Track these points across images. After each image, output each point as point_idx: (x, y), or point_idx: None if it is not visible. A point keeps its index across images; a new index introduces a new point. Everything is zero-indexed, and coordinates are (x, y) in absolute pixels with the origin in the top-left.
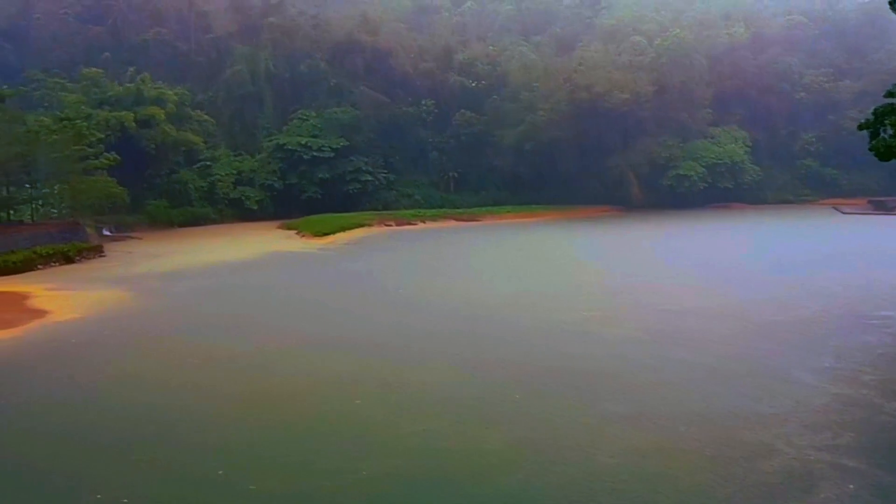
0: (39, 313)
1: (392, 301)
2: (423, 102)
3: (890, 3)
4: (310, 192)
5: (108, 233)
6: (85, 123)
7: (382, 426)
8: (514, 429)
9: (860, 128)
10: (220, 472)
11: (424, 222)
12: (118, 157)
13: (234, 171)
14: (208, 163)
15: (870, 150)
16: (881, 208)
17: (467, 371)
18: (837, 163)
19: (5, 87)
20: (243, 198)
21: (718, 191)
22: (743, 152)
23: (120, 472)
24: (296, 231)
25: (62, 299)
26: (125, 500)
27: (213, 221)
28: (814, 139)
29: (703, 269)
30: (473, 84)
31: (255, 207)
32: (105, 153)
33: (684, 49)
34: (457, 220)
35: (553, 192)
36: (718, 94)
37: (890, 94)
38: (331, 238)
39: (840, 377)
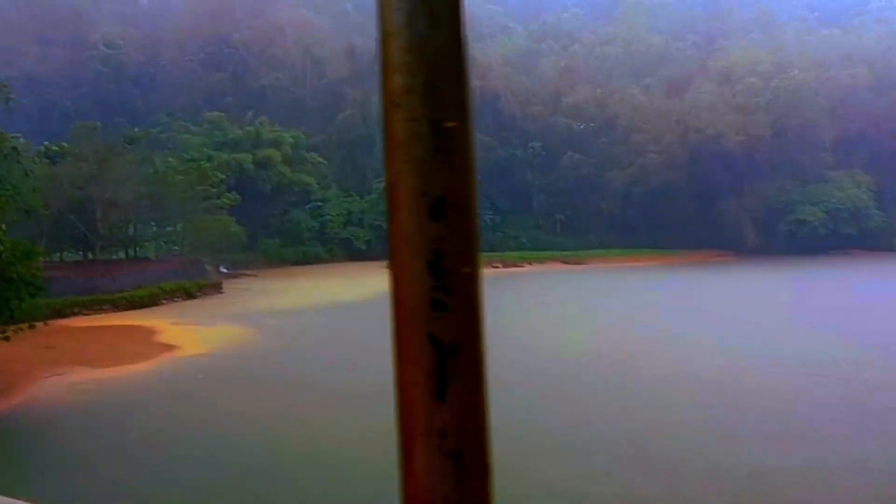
0: (168, 347)
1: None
2: (531, 145)
3: None
4: None
5: (224, 270)
6: (208, 165)
7: None
8: None
9: None
10: None
11: (531, 264)
12: (239, 197)
13: (345, 212)
14: (320, 203)
15: None
16: None
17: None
18: None
19: (135, 129)
20: (352, 238)
21: (840, 237)
22: (867, 197)
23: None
24: None
25: (188, 334)
26: None
27: (323, 260)
28: None
29: None
30: (581, 126)
31: (364, 247)
32: (226, 193)
33: (803, 91)
34: (563, 262)
35: (662, 235)
36: (839, 137)
37: None
38: None
39: None
